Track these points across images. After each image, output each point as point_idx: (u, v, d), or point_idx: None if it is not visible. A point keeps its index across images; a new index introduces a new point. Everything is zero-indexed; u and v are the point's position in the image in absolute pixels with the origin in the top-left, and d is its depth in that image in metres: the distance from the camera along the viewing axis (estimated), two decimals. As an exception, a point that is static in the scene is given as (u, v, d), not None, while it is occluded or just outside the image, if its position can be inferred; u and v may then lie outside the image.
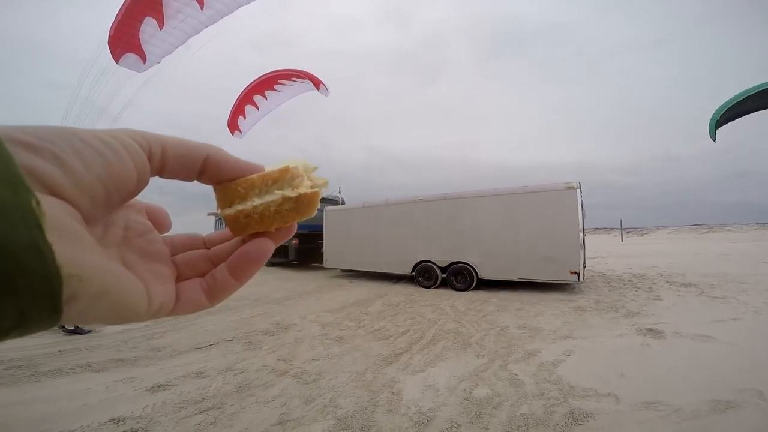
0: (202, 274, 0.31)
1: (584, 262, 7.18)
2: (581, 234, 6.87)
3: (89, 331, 4.30)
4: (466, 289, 7.96)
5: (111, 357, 3.85)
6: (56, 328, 4.24)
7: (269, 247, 0.31)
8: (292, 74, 11.50)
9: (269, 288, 9.11)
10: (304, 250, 13.43)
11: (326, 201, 13.88)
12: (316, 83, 10.65)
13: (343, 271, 12.16)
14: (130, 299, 0.24)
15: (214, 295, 0.30)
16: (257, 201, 0.29)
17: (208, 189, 0.31)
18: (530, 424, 2.34)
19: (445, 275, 8.42)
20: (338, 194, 14.59)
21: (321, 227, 12.23)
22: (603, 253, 18.85)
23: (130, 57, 5.63)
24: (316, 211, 0.31)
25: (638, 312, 5.34)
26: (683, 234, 44.12)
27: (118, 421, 2.47)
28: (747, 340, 3.83)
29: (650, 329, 4.36)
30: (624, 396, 2.65)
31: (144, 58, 5.69)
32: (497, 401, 2.66)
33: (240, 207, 0.30)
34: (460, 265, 8.19)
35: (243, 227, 0.30)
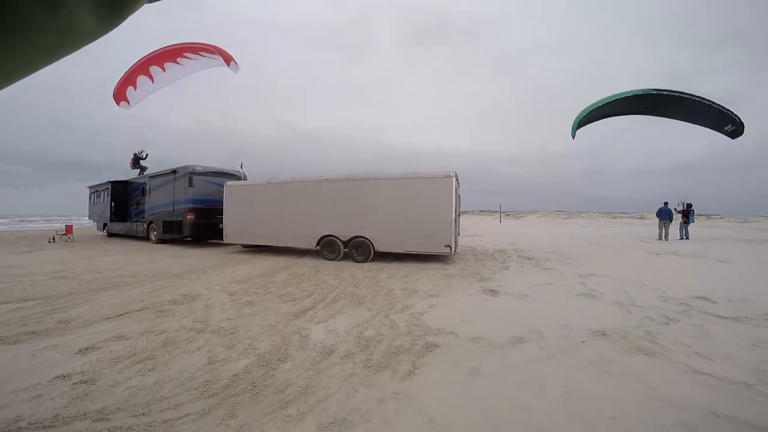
0: None
1: (456, 238, 8.76)
2: (454, 214, 8.38)
3: None
4: (364, 261, 9.01)
5: (19, 331, 3.84)
6: None
7: None
8: (201, 48, 10.83)
9: (164, 264, 8.94)
10: (201, 226, 12.99)
11: (227, 176, 13.57)
12: (227, 59, 10.30)
13: (244, 246, 12.27)
14: None
15: None
16: None
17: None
18: (400, 351, 3.36)
19: (347, 249, 9.36)
20: (240, 169, 14.31)
21: (218, 202, 12.05)
22: (481, 232, 21.84)
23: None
24: None
25: (489, 278, 6.93)
26: (549, 218, 52.27)
27: (64, 377, 2.78)
28: (548, 298, 5.43)
29: (492, 290, 5.86)
30: (461, 334, 3.84)
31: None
32: (380, 338, 3.65)
33: None
34: (360, 239, 9.19)
35: None
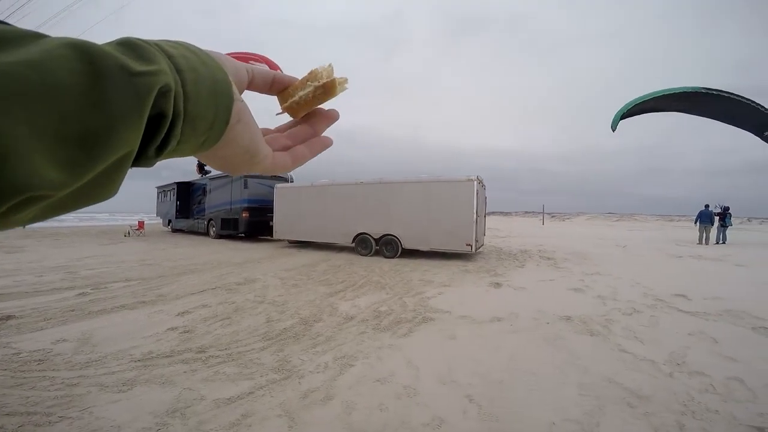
0: (282, 148, 0.47)
1: (478, 238, 9.65)
2: (475, 215, 9.27)
3: None
4: (393, 257, 10.17)
5: (133, 301, 5.39)
6: None
7: (330, 141, 0.50)
8: (249, 57, 12.49)
9: (227, 255, 10.64)
10: (253, 223, 14.77)
11: (277, 178, 15.28)
12: (274, 68, 11.78)
13: (291, 242, 13.87)
14: (259, 133, 0.41)
15: (295, 160, 0.48)
16: (301, 93, 0.47)
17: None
18: (403, 321, 4.48)
19: (378, 246, 10.57)
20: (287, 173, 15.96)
21: (269, 202, 13.72)
22: (515, 234, 22.11)
23: None
24: (337, 91, 0.48)
25: (501, 274, 7.79)
26: (597, 221, 49.91)
27: (173, 329, 4.16)
28: (542, 290, 6.26)
29: (497, 283, 6.78)
30: (454, 312, 4.87)
31: None
32: (390, 312, 4.81)
33: (292, 100, 0.47)
34: (389, 237, 10.36)
35: (296, 111, 0.48)
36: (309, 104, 0.48)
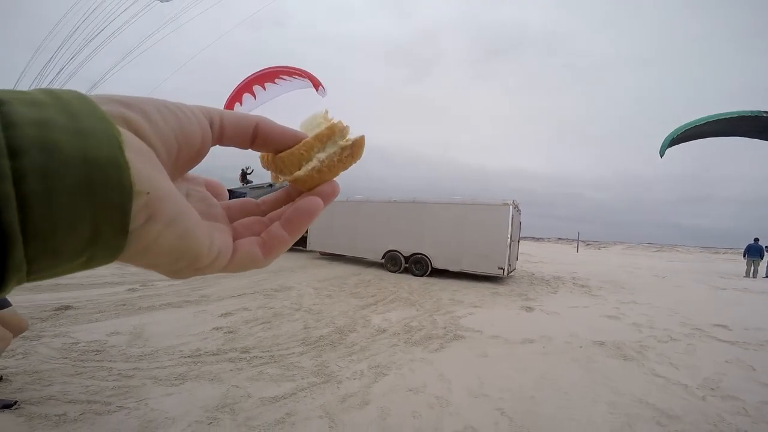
0: (257, 234, 0.33)
1: (510, 262, 9.59)
2: (509, 240, 9.24)
3: (15, 403, 2.60)
4: (422, 275, 10.25)
5: (178, 299, 5.78)
6: None
7: (319, 203, 0.33)
8: (294, 72, 13.17)
9: (263, 263, 11.07)
10: (288, 233, 15.29)
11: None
12: (316, 85, 12.40)
13: (322, 254, 14.22)
14: (196, 231, 0.25)
15: (269, 248, 0.32)
16: (322, 156, 0.34)
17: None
18: (434, 337, 4.59)
19: (407, 264, 10.70)
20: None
21: (305, 213, 14.19)
22: (547, 260, 21.43)
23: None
24: (363, 153, 0.37)
25: (533, 299, 7.71)
26: (635, 251, 47.38)
27: (217, 329, 4.46)
28: (575, 315, 6.18)
29: (528, 307, 6.74)
30: (485, 332, 4.93)
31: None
32: (421, 328, 4.93)
33: (310, 166, 0.33)
34: (419, 255, 10.47)
35: (316, 180, 0.34)
36: (333, 171, 0.35)
